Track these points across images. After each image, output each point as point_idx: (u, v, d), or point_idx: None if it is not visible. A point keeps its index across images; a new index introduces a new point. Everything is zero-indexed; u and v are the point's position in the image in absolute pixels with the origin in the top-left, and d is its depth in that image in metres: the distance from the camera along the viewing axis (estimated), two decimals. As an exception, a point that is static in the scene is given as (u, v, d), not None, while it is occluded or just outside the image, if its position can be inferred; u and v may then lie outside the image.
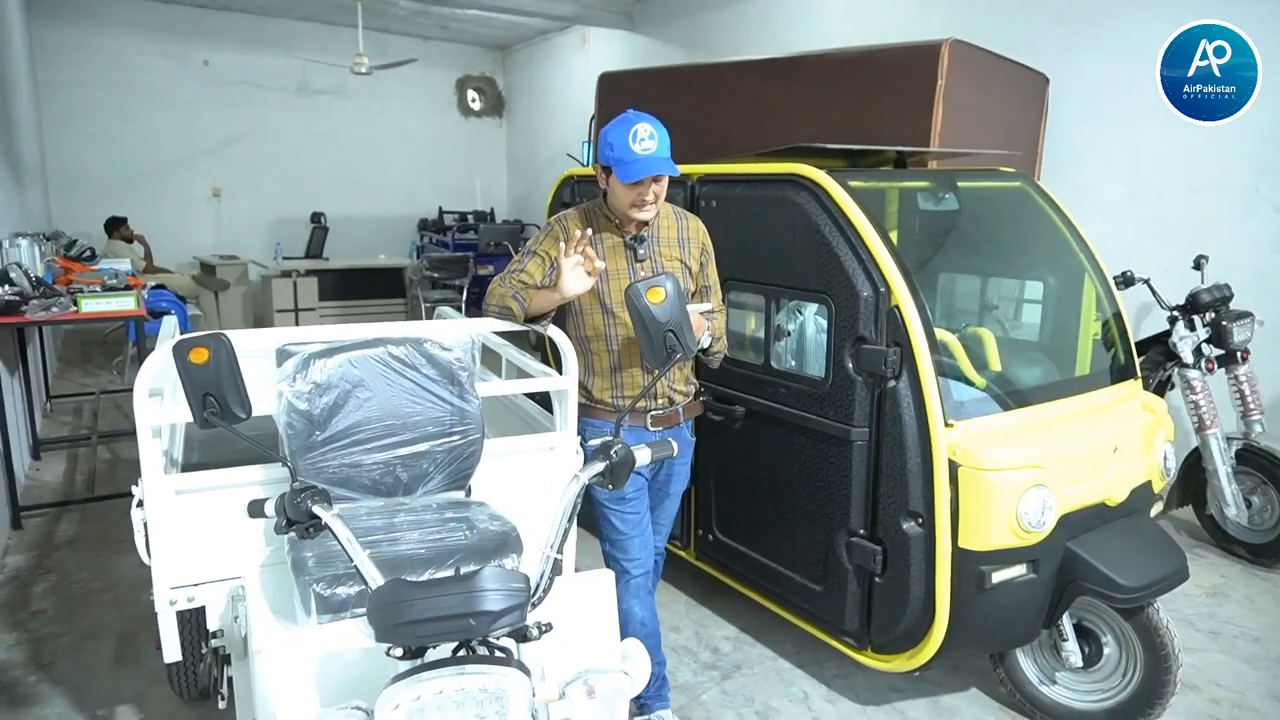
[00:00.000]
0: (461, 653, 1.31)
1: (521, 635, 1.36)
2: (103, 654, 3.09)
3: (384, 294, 10.10)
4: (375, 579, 1.39)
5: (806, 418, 2.76)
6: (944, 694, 2.92)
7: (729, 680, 3.00)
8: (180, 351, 1.50)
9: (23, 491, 4.41)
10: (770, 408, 2.90)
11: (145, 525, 2.09)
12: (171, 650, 2.20)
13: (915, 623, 2.54)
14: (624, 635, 1.77)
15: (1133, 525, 2.63)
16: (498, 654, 1.32)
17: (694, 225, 2.57)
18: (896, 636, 2.60)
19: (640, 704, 2.61)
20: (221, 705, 2.38)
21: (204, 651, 2.48)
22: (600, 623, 1.76)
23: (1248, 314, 3.95)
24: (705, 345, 2.49)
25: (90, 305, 4.35)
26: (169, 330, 2.97)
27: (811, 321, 2.95)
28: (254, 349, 2.02)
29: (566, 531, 1.52)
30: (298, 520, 1.47)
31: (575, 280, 2.29)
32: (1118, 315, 3.03)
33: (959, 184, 3.23)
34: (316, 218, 10.44)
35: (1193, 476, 4.07)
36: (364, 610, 1.47)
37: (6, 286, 4.20)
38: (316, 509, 1.46)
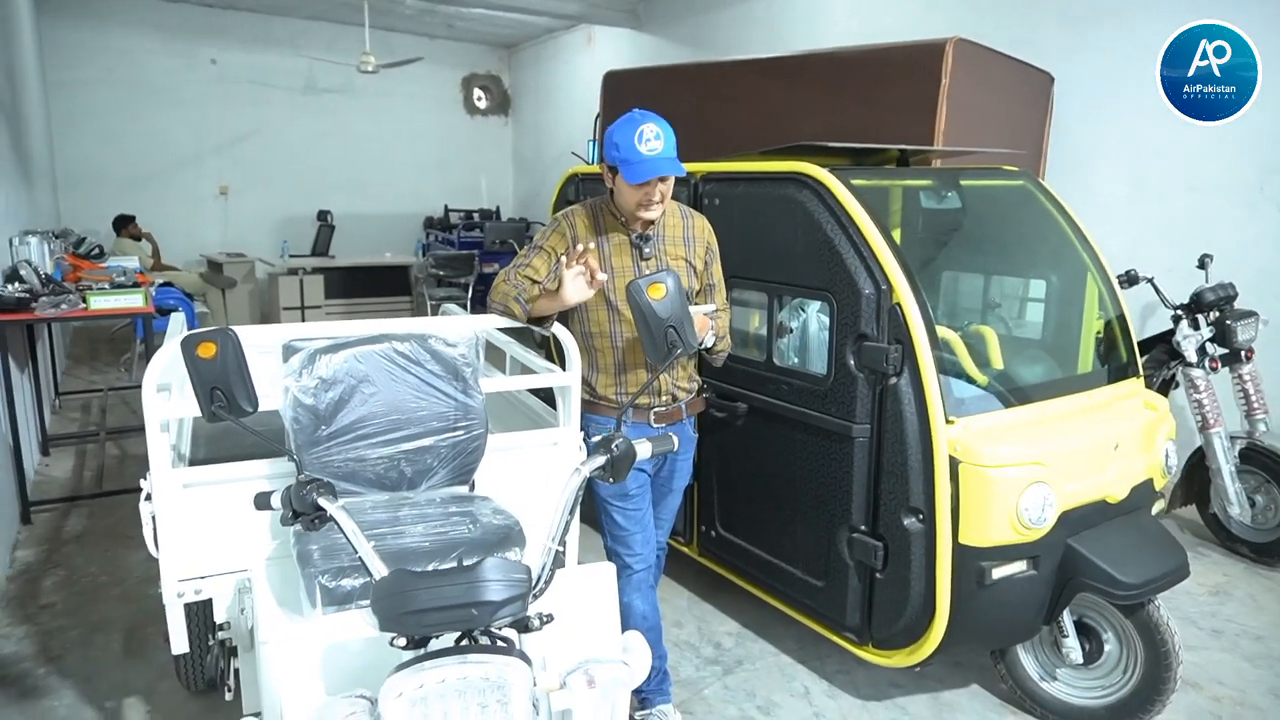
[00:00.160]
0: (464, 642, 1.33)
1: (523, 626, 1.38)
2: (111, 647, 3.12)
3: (390, 292, 10.14)
4: (379, 570, 1.41)
5: (808, 414, 2.78)
6: (945, 690, 2.93)
7: (731, 675, 3.02)
8: (188, 346, 1.52)
9: (32, 487, 4.45)
10: (772, 404, 2.92)
11: (154, 518, 2.11)
12: (179, 642, 2.23)
13: (916, 618, 2.55)
14: (626, 629, 1.79)
15: (1133, 522, 2.64)
16: (499, 644, 1.34)
17: (699, 224, 2.58)
18: (897, 632, 2.62)
19: (642, 698, 2.63)
20: (228, 697, 2.40)
21: (211, 643, 2.50)
22: (601, 615, 1.77)
23: (1252, 313, 3.95)
24: (709, 344, 2.51)
25: (99, 302, 4.39)
26: (177, 327, 3.00)
27: (814, 319, 2.96)
28: (260, 345, 2.05)
29: (568, 524, 1.54)
30: (303, 512, 1.49)
31: (576, 290, 2.31)
32: (1120, 314, 3.04)
33: (962, 182, 3.24)
34: (323, 216, 10.49)
35: (1196, 475, 4.07)
36: (368, 601, 1.49)
37: (16, 284, 4.25)
38: (322, 501, 1.48)
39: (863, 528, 2.66)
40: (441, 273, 9.21)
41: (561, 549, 1.53)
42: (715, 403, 3.06)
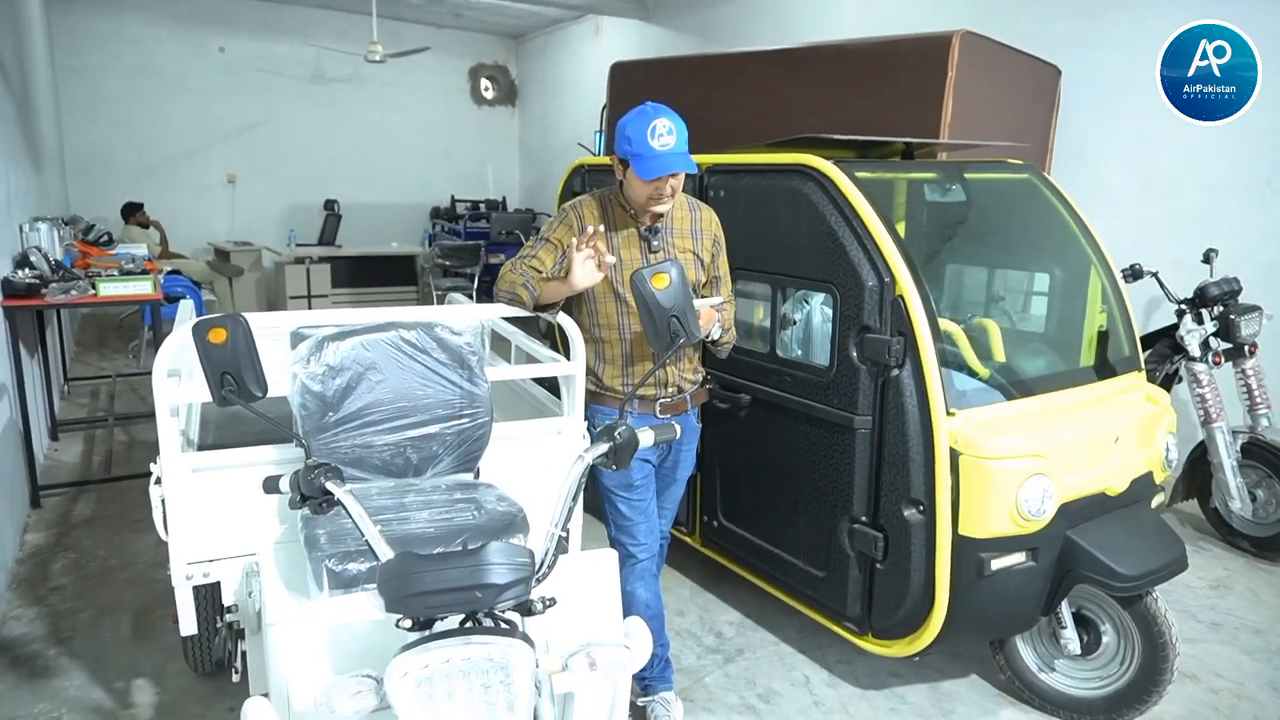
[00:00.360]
0: (468, 624, 1.36)
1: (526, 609, 1.41)
2: (120, 629, 3.16)
3: (396, 281, 10.18)
4: (385, 553, 1.43)
5: (811, 406, 2.80)
6: (944, 680, 2.96)
7: (732, 664, 3.04)
8: (199, 332, 1.55)
9: (42, 471, 4.50)
10: (775, 396, 2.94)
11: (163, 502, 2.14)
12: (188, 624, 2.26)
13: (915, 609, 2.57)
14: (629, 618, 1.82)
15: (1133, 515, 2.66)
16: (503, 626, 1.37)
17: (707, 216, 2.58)
18: (897, 622, 2.64)
19: (644, 685, 2.66)
20: (235, 678, 2.44)
21: (219, 626, 2.54)
22: (603, 600, 1.80)
23: (1256, 308, 3.95)
24: (715, 337, 2.53)
25: (108, 289, 4.43)
26: (186, 314, 3.03)
27: (817, 311, 2.98)
28: (269, 332, 2.07)
29: (571, 510, 1.57)
30: (311, 495, 1.51)
31: (585, 273, 2.32)
32: (1122, 307, 3.05)
33: (966, 176, 3.25)
34: (330, 205, 10.52)
35: (1198, 470, 4.08)
36: (374, 584, 1.52)
37: (27, 270, 4.28)
38: (329, 485, 1.51)
39: (863, 518, 2.68)
40: (447, 263, 9.23)
41: (564, 534, 1.56)
42: (718, 393, 3.08)
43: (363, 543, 1.52)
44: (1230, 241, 4.37)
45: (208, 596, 2.42)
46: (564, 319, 2.50)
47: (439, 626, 1.36)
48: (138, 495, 4.29)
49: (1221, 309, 3.94)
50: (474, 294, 8.76)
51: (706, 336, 2.49)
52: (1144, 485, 2.75)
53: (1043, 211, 3.19)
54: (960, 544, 2.45)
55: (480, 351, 2.27)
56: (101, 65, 9.75)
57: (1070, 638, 2.65)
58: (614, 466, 1.67)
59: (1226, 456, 3.87)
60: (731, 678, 2.97)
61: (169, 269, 7.13)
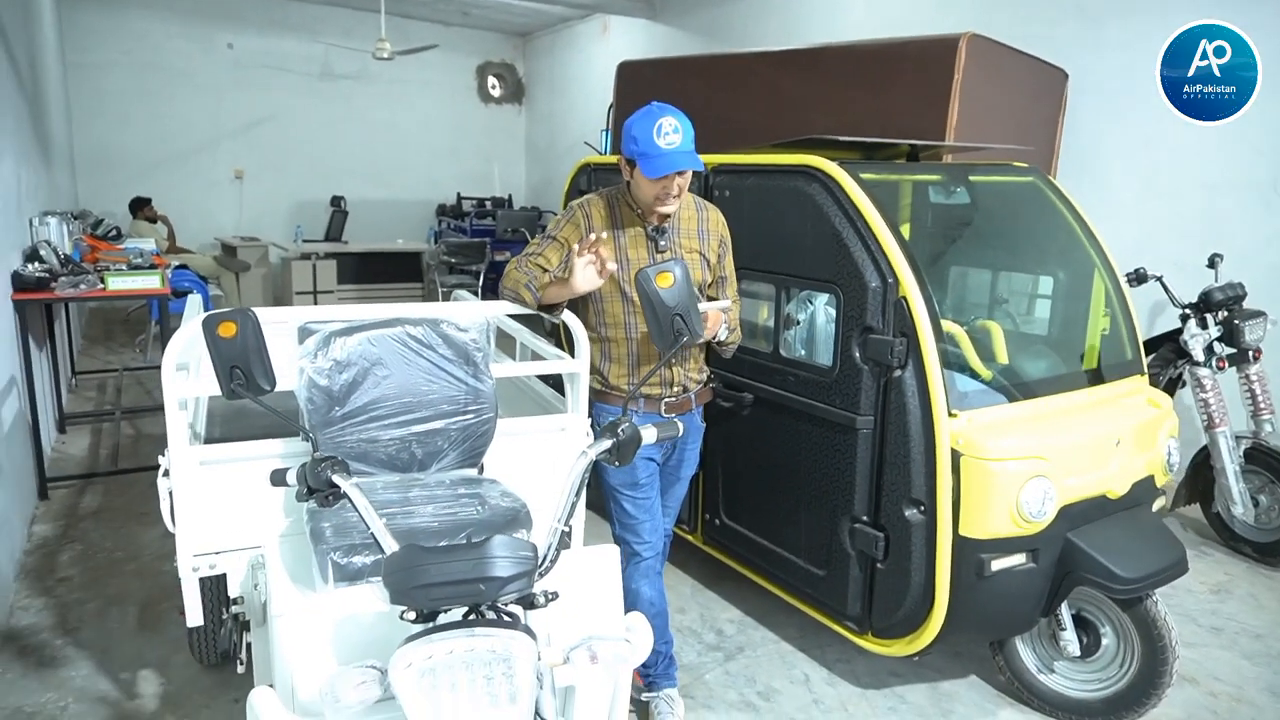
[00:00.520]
0: (471, 617, 1.38)
1: (529, 602, 1.42)
2: (126, 620, 3.19)
3: (402, 278, 10.22)
4: (390, 545, 1.45)
5: (814, 405, 2.81)
6: (943, 680, 2.97)
7: (732, 661, 3.06)
8: (209, 326, 1.57)
9: (49, 463, 4.53)
10: (778, 395, 2.96)
11: (171, 494, 2.16)
12: (194, 615, 2.29)
13: (915, 608, 2.59)
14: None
15: (1133, 518, 2.67)
16: (506, 619, 1.39)
17: (714, 217, 2.59)
18: (897, 621, 2.66)
19: (649, 681, 2.67)
20: (240, 670, 2.46)
21: (224, 617, 2.57)
22: (605, 595, 1.82)
23: (1260, 313, 3.95)
24: (721, 338, 2.54)
25: (117, 283, 4.46)
26: (194, 308, 3.05)
27: (821, 311, 2.99)
28: (277, 327, 2.09)
29: (574, 505, 1.59)
30: (318, 488, 1.53)
31: (585, 278, 2.33)
32: (1125, 311, 3.06)
33: (971, 178, 3.26)
34: (336, 201, 10.55)
35: (1201, 474, 4.09)
36: (378, 577, 1.54)
37: (36, 264, 4.32)
38: (336, 478, 1.53)
39: (865, 518, 2.70)
40: (453, 260, 9.26)
41: (567, 529, 1.58)
42: (722, 392, 3.10)
43: (368, 536, 1.54)
44: (1235, 245, 4.37)
45: (214, 588, 2.44)
46: (569, 317, 2.51)
47: (443, 619, 1.38)
48: (144, 488, 4.32)
49: (1226, 314, 3.94)
50: (479, 291, 8.78)
51: (713, 338, 2.50)
52: (1145, 489, 2.76)
53: (1047, 215, 3.20)
54: (961, 544, 2.46)
55: (485, 348, 2.29)
56: (111, 61, 9.80)
57: (1070, 639, 2.66)
58: (617, 462, 1.68)
59: (1229, 461, 3.87)
60: (732, 675, 2.98)
61: (176, 264, 7.16)
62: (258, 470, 2.05)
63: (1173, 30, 4.35)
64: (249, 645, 2.37)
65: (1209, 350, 3.93)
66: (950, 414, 2.47)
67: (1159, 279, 4.15)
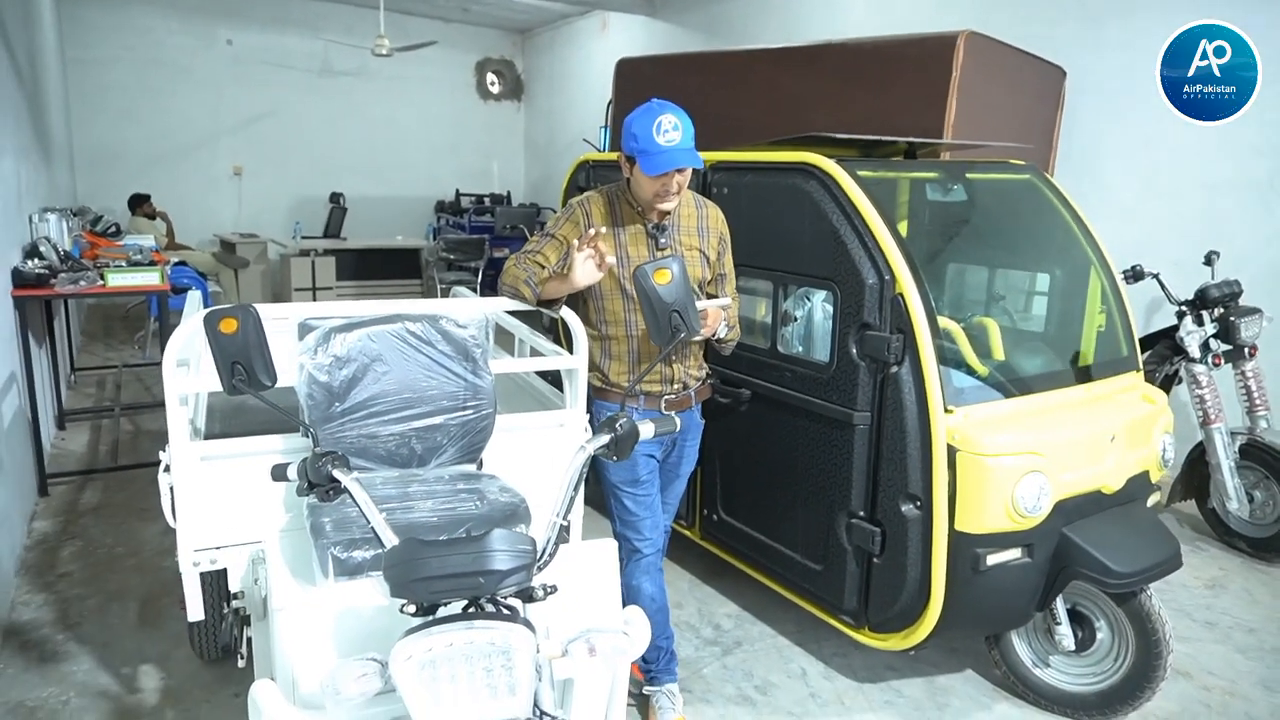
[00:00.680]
0: (471, 610, 1.39)
1: (528, 595, 1.44)
2: (127, 616, 3.21)
3: (400, 275, 10.23)
4: (390, 539, 1.47)
5: (811, 401, 2.83)
6: (939, 674, 2.99)
7: (729, 655, 3.08)
8: (211, 322, 1.58)
9: (49, 460, 4.54)
10: (776, 391, 2.97)
11: (172, 489, 2.18)
12: (195, 610, 2.30)
13: (911, 603, 2.60)
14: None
15: (1128, 513, 2.69)
16: (505, 611, 1.40)
17: (713, 214, 2.60)
18: (893, 616, 2.68)
19: (650, 676, 2.69)
20: (241, 664, 2.48)
21: (225, 612, 2.58)
22: (603, 589, 1.83)
23: (1256, 310, 3.97)
24: (721, 335, 2.55)
25: (116, 279, 4.47)
26: (194, 305, 3.07)
27: (818, 308, 3.01)
28: (277, 323, 2.11)
29: (572, 500, 1.61)
30: (318, 483, 1.55)
31: (585, 273, 2.34)
32: (1121, 308, 3.07)
33: (968, 176, 3.28)
34: (335, 198, 10.55)
35: (1196, 470, 4.11)
36: (378, 571, 1.55)
37: (36, 260, 4.32)
38: (336, 472, 1.54)
39: (861, 513, 2.71)
40: (452, 256, 9.27)
41: (566, 524, 1.59)
42: (719, 388, 3.11)
43: (368, 531, 1.55)
44: (1232, 244, 4.39)
45: (214, 583, 2.46)
46: (567, 313, 2.53)
47: (442, 612, 1.39)
48: (144, 484, 4.33)
49: (1222, 311, 3.96)
50: (478, 288, 8.77)
51: (713, 336, 2.51)
52: (1140, 484, 2.78)
53: (1044, 212, 3.22)
54: (956, 539, 2.48)
55: (484, 344, 2.30)
56: (110, 57, 9.80)
57: (1065, 634, 2.68)
58: (615, 457, 1.70)
59: (1225, 458, 3.89)
60: (729, 669, 3.00)
61: (175, 261, 7.17)
62: (258, 466, 2.06)
63: (1173, 29, 4.36)
64: (249, 640, 2.38)
65: (1205, 347, 3.95)
66: (946, 410, 2.48)
67: (1155, 276, 4.17)
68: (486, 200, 11.34)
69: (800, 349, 3.03)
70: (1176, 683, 2.92)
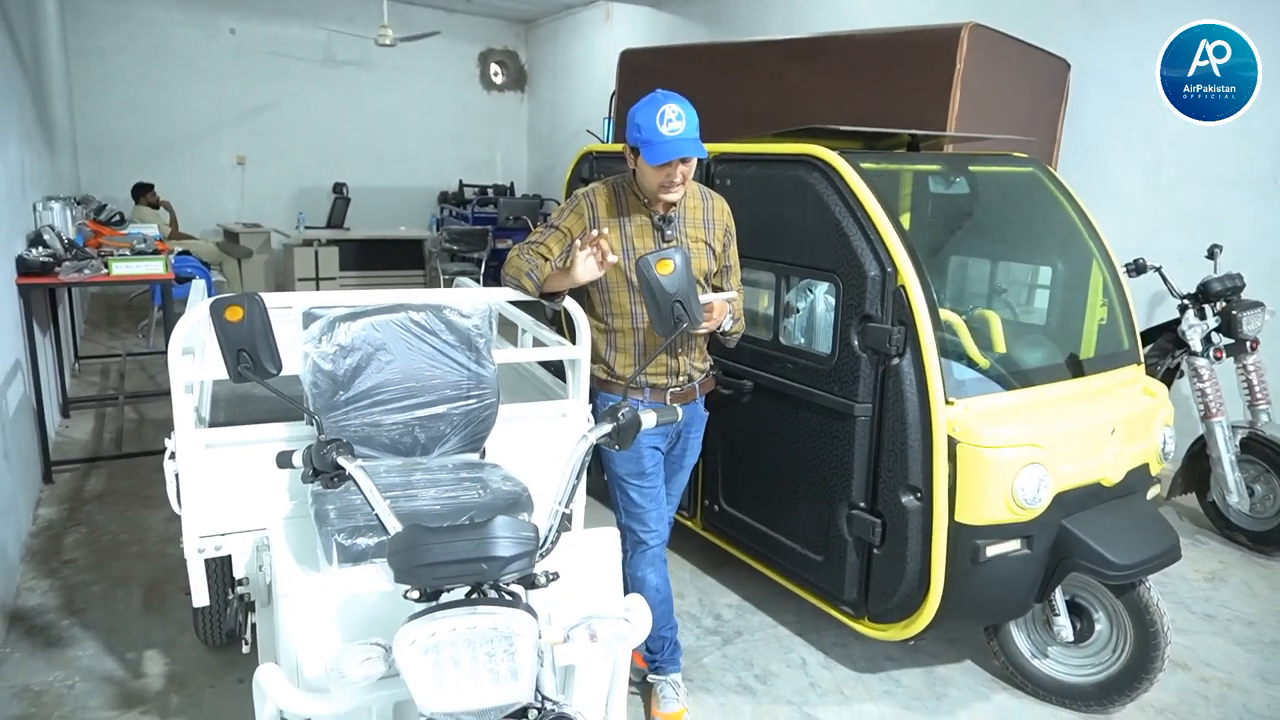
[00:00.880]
0: (474, 595, 1.40)
1: (530, 582, 1.45)
2: (132, 602, 3.23)
3: (403, 265, 10.23)
4: (394, 525, 1.48)
5: (812, 393, 2.84)
6: (939, 665, 3.01)
7: (730, 645, 3.10)
8: (217, 310, 1.59)
9: (53, 447, 4.56)
10: (778, 383, 2.98)
11: (177, 477, 2.19)
12: (200, 595, 2.33)
13: (911, 593, 2.62)
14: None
15: (1127, 506, 2.70)
16: (507, 597, 1.42)
17: (719, 206, 2.59)
18: (893, 606, 2.69)
19: (654, 666, 2.71)
20: (245, 650, 2.50)
21: (230, 598, 2.60)
22: (604, 577, 1.85)
23: (1258, 304, 3.98)
24: (726, 328, 2.55)
25: (121, 268, 4.48)
26: (198, 293, 3.08)
27: (820, 299, 3.01)
28: (282, 312, 2.12)
29: (575, 488, 1.62)
30: (323, 470, 1.56)
31: (586, 270, 2.35)
32: (1123, 301, 3.08)
33: (971, 168, 3.27)
34: (338, 188, 10.55)
35: (1197, 464, 4.12)
36: (381, 558, 1.56)
37: (40, 248, 4.33)
38: (341, 459, 1.55)
39: (862, 504, 2.73)
40: (455, 247, 9.26)
41: (568, 512, 1.61)
42: (722, 380, 3.12)
43: (371, 518, 1.56)
44: (1235, 238, 4.39)
45: (219, 570, 2.48)
46: (570, 303, 2.53)
47: (445, 598, 1.41)
48: (148, 472, 4.36)
49: (1224, 304, 3.97)
50: (481, 279, 8.79)
51: (718, 329, 2.51)
52: (1139, 477, 2.79)
53: (1046, 205, 3.22)
54: (956, 530, 2.49)
55: (488, 334, 2.31)
56: (113, 47, 9.79)
57: (1063, 625, 2.69)
58: (617, 446, 1.71)
59: (1225, 451, 3.90)
60: (730, 659, 3.02)
61: (179, 250, 7.18)
62: (262, 454, 2.08)
63: (1176, 21, 4.35)
64: (254, 626, 2.40)
65: (1207, 340, 3.96)
66: (947, 402, 2.49)
67: (1158, 269, 4.17)
68: (490, 191, 11.33)
69: (802, 340, 3.04)
70: (1174, 674, 2.94)
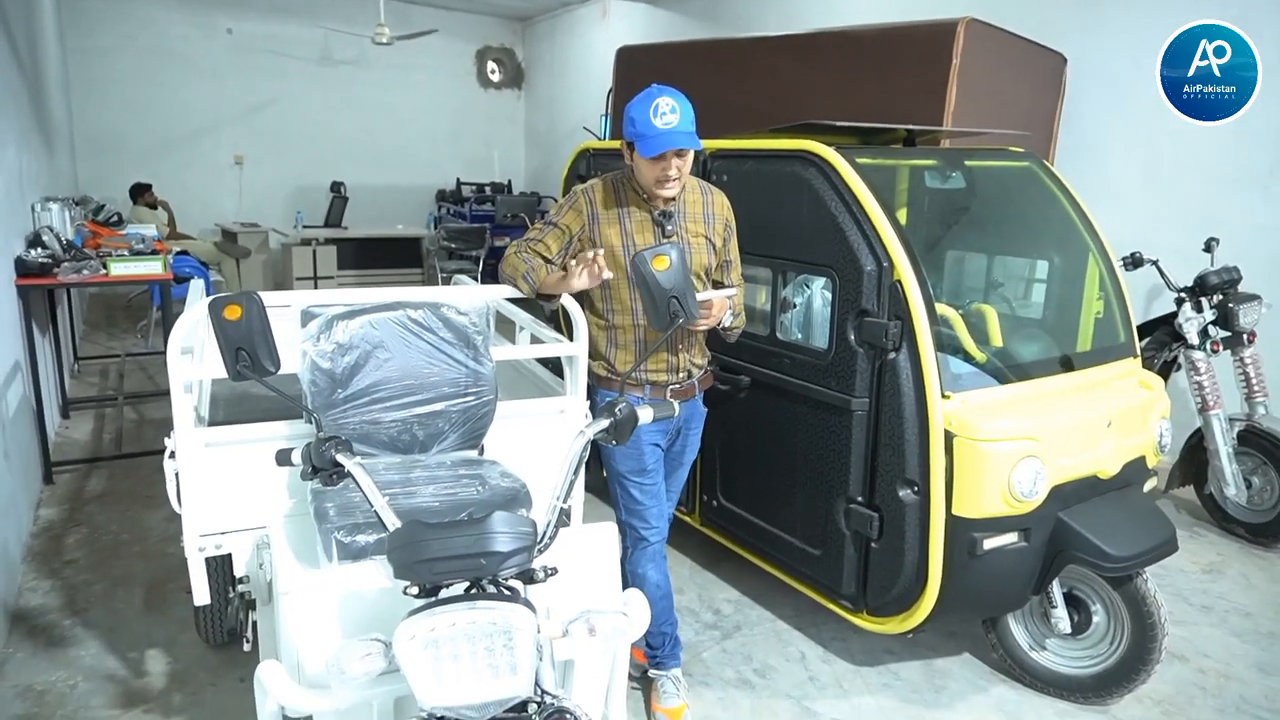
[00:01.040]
0: (473, 591, 1.42)
1: (528, 577, 1.47)
2: (133, 601, 3.24)
3: (401, 263, 10.23)
4: (393, 522, 1.49)
5: (809, 388, 2.85)
6: (937, 657, 3.02)
7: (729, 640, 3.11)
8: (215, 309, 1.60)
9: (53, 448, 4.57)
10: (775, 378, 2.99)
11: (177, 476, 2.20)
12: (201, 594, 2.34)
13: (909, 587, 2.63)
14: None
15: (1124, 498, 2.71)
16: (506, 592, 1.43)
17: (718, 201, 2.59)
18: (891, 600, 2.70)
19: (655, 661, 2.71)
20: (246, 648, 2.51)
21: (230, 596, 2.61)
22: (603, 572, 1.86)
23: (1255, 297, 3.98)
24: (726, 324, 2.55)
25: (119, 268, 4.48)
26: (197, 293, 3.09)
27: (817, 295, 3.02)
28: (280, 310, 2.12)
29: (572, 484, 1.63)
30: (322, 467, 1.57)
31: (581, 281, 2.37)
32: (1119, 294, 3.09)
33: (967, 163, 3.28)
34: (336, 187, 10.55)
35: (1195, 457, 4.13)
36: (380, 555, 1.57)
37: (39, 249, 4.34)
38: (340, 457, 1.57)
39: (859, 498, 2.74)
40: (453, 245, 9.26)
41: (566, 507, 1.62)
42: (719, 375, 3.13)
43: (370, 515, 1.57)
44: (1232, 233, 4.39)
45: (220, 568, 2.49)
46: (568, 302, 2.54)
47: (445, 593, 1.42)
48: (148, 472, 4.36)
49: (1221, 297, 3.98)
50: (479, 276, 8.78)
51: (718, 324, 2.51)
52: (1136, 469, 2.80)
53: (1043, 199, 3.23)
54: (953, 524, 2.50)
55: (485, 331, 2.32)
56: (111, 46, 9.77)
57: (1061, 617, 2.70)
58: (614, 441, 1.72)
59: (1223, 444, 3.91)
60: (729, 653, 3.03)
61: (177, 250, 7.18)
62: (262, 452, 2.08)
63: (1174, 17, 4.35)
64: (255, 624, 2.41)
65: (1204, 333, 3.97)
66: (944, 396, 2.50)
67: (1155, 263, 4.17)
68: (487, 189, 11.32)
69: (799, 336, 3.05)
70: (1172, 665, 2.95)
